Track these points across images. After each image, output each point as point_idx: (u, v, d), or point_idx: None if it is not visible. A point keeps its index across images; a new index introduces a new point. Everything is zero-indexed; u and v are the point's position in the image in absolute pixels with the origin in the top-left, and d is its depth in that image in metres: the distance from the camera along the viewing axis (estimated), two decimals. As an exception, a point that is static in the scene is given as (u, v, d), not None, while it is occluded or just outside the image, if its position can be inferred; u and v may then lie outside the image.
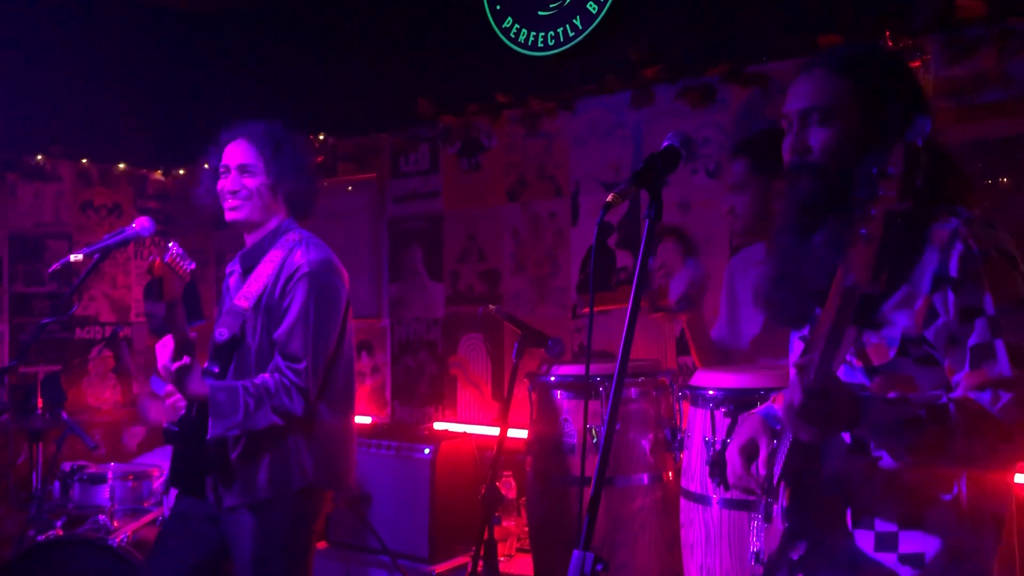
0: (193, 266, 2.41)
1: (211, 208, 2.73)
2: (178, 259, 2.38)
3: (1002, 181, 3.16)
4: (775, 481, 1.72)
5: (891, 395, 1.53)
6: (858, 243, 1.23)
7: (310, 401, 2.50)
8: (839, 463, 1.64)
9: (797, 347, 1.84)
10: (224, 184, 2.63)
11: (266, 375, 2.50)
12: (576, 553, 1.49)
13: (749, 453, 1.79)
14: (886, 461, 1.59)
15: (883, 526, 1.61)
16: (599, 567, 1.49)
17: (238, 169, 2.61)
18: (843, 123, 1.61)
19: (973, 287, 1.50)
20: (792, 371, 1.83)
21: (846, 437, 1.65)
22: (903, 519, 1.59)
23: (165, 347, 2.44)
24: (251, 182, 2.61)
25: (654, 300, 2.80)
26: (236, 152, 2.63)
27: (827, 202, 1.60)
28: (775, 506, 1.74)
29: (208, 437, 2.43)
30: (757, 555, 1.81)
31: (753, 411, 1.91)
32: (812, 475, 1.66)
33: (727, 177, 2.82)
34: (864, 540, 1.63)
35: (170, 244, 2.40)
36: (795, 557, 1.68)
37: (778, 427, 1.81)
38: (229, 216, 2.65)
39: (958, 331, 1.51)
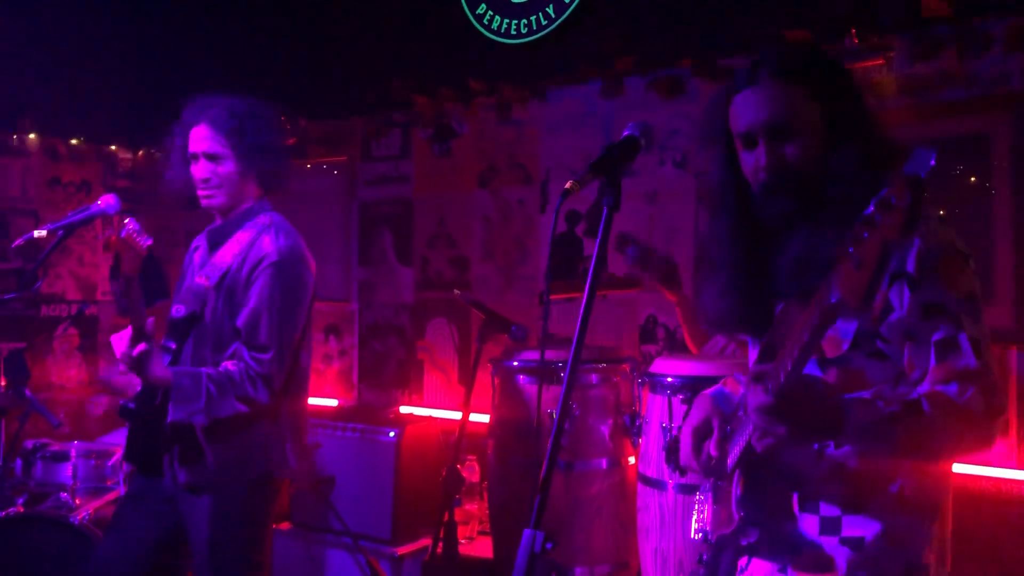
0: (150, 242, 2.37)
1: (183, 193, 2.68)
2: (134, 235, 2.34)
3: (965, 179, 3.22)
4: (729, 468, 1.76)
5: (864, 394, 1.55)
6: (846, 262, 1.22)
7: (275, 390, 2.49)
8: (789, 450, 1.68)
9: (755, 349, 1.88)
10: (196, 173, 2.58)
11: (229, 363, 2.48)
12: (527, 532, 1.51)
13: (702, 434, 1.82)
14: (832, 449, 1.63)
15: (828, 511, 1.66)
16: (548, 545, 1.52)
17: (206, 157, 2.56)
18: (810, 134, 1.63)
19: (932, 283, 1.53)
20: (751, 359, 1.86)
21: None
22: (847, 504, 1.64)
23: (121, 337, 2.42)
24: (222, 169, 2.56)
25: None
26: (201, 139, 2.57)
27: (804, 213, 1.62)
28: (729, 489, 1.78)
29: (168, 421, 2.42)
30: (705, 535, 1.85)
31: (704, 392, 1.94)
32: (766, 464, 1.70)
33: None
34: (809, 524, 1.68)
35: (126, 220, 2.37)
36: (744, 543, 1.73)
37: (728, 410, 1.85)
38: (205, 203, 2.62)
39: (918, 327, 1.54)
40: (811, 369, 1.66)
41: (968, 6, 3.18)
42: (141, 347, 2.36)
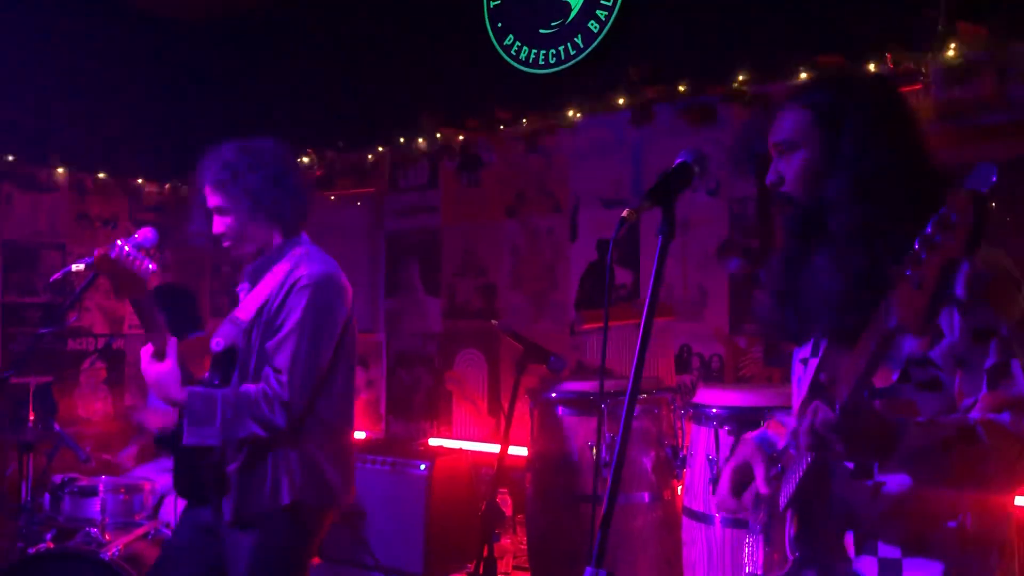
0: (153, 267, 2.32)
1: (209, 248, 2.70)
2: (130, 258, 2.28)
3: (1007, 204, 3.18)
4: (781, 508, 1.72)
5: (920, 419, 1.52)
6: (904, 285, 1.20)
7: (293, 414, 2.44)
8: (842, 489, 1.64)
9: (797, 369, 1.85)
10: (214, 227, 2.62)
11: (251, 384, 2.47)
12: (588, 570, 1.47)
13: (740, 478, 1.80)
14: (890, 486, 1.59)
15: (886, 552, 1.60)
16: (612, 583, 1.47)
17: (216, 212, 2.59)
18: (806, 153, 1.67)
19: (983, 308, 1.50)
20: (796, 394, 1.83)
21: (849, 463, 1.64)
22: (907, 545, 1.58)
23: (147, 350, 2.41)
24: (230, 220, 2.58)
25: None
26: (209, 196, 2.60)
27: (802, 227, 1.65)
28: (781, 530, 1.74)
29: (183, 444, 2.40)
30: None
31: (747, 435, 1.92)
32: (820, 503, 1.66)
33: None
34: (868, 566, 1.62)
35: (118, 241, 2.30)
36: None
37: (774, 453, 1.81)
38: (233, 254, 2.67)
39: (969, 353, 1.51)
40: None
41: (1004, 30, 3.15)
42: (160, 367, 2.36)
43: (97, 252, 2.31)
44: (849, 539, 1.65)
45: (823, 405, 1.40)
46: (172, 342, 2.40)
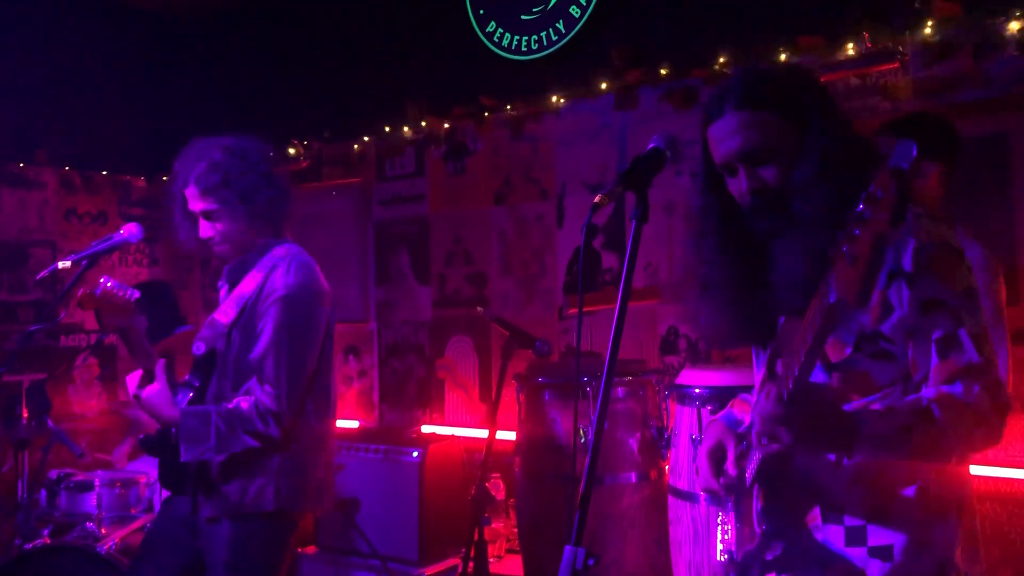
0: (136, 295, 2.39)
1: (199, 251, 2.67)
2: (114, 291, 2.36)
3: (985, 180, 3.21)
4: (748, 484, 1.76)
5: (876, 406, 1.56)
6: (841, 261, 1.23)
7: (284, 425, 2.48)
8: (806, 461, 1.68)
9: (761, 361, 1.88)
10: (200, 232, 2.60)
11: (240, 399, 2.48)
12: (568, 548, 1.50)
13: (717, 457, 1.84)
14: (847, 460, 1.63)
15: (851, 520, 1.65)
16: (591, 562, 1.50)
17: (203, 216, 2.56)
18: (783, 154, 1.65)
19: (929, 280, 1.54)
20: (757, 371, 1.86)
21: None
22: (870, 512, 1.63)
23: (135, 377, 2.45)
24: (219, 225, 2.56)
25: None
26: (194, 199, 2.57)
27: (786, 227, 1.64)
28: (751, 505, 1.77)
29: (181, 460, 2.44)
30: (731, 555, 1.84)
31: (715, 417, 1.96)
32: (784, 477, 1.70)
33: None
34: (834, 535, 1.66)
35: (101, 278, 2.38)
36: (770, 557, 1.71)
37: (741, 430, 1.85)
38: (218, 255, 2.65)
39: (918, 324, 1.55)
40: (817, 374, 1.66)
41: (980, 6, 3.17)
42: (150, 389, 2.41)
43: (81, 291, 2.40)
44: (815, 510, 1.69)
45: (773, 393, 1.44)
46: (160, 363, 2.43)
